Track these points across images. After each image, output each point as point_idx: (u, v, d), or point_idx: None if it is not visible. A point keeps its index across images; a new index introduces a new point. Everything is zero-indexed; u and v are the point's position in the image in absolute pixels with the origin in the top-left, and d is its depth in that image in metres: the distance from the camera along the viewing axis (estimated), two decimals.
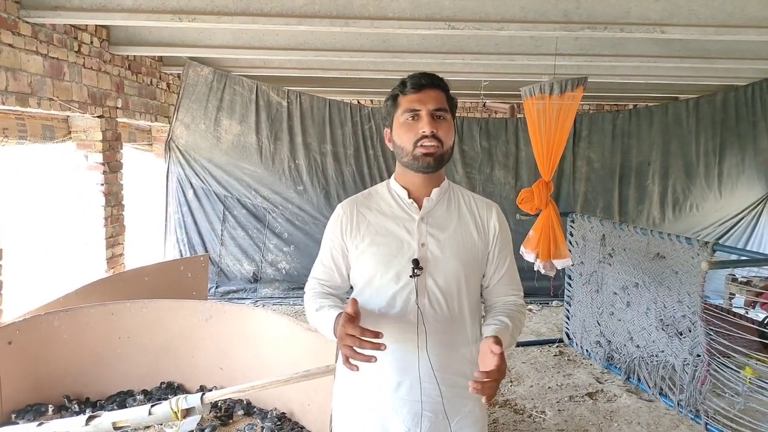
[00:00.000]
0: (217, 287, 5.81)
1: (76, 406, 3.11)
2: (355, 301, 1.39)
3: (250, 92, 5.74)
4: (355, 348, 1.29)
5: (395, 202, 1.55)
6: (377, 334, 1.30)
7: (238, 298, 5.71)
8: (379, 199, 1.57)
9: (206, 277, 4.50)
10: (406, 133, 1.47)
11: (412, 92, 1.47)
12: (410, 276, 1.45)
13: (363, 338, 1.28)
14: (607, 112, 6.67)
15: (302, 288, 6.41)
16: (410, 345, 1.46)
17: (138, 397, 3.21)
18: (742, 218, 6.52)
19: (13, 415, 2.97)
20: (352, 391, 1.56)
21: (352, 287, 1.62)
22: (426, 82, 1.48)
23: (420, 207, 1.52)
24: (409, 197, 1.53)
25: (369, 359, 1.29)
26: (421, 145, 1.45)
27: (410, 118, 1.47)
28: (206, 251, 5.77)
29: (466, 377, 1.49)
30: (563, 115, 3.86)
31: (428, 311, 1.47)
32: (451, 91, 1.55)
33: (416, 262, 1.45)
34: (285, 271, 5.99)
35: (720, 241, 5.55)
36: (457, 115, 1.59)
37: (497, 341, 1.31)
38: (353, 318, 1.32)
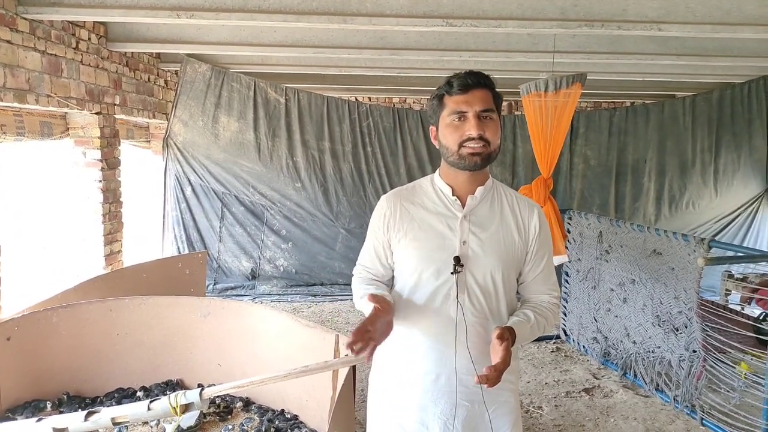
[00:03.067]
0: (215, 284, 5.82)
1: (74, 402, 3.12)
2: (374, 296, 1.43)
3: (248, 89, 5.75)
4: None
5: (439, 199, 1.57)
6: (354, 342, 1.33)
7: (236, 295, 5.71)
8: (422, 194, 1.60)
9: (204, 274, 4.50)
10: (453, 134, 1.48)
11: (458, 93, 1.48)
12: (451, 273, 1.48)
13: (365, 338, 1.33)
14: (604, 110, 6.69)
15: (300, 285, 6.44)
16: (449, 339, 1.49)
17: (138, 393, 3.22)
18: (738, 215, 6.56)
19: (8, 414, 2.97)
20: (390, 381, 1.61)
21: (394, 278, 1.66)
22: (472, 81, 1.48)
23: (463, 204, 1.54)
24: (453, 194, 1.55)
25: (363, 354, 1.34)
26: (468, 146, 1.46)
27: (457, 119, 1.48)
28: (205, 248, 5.78)
29: None
30: (561, 113, 3.87)
31: (467, 307, 1.50)
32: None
33: (457, 260, 1.48)
34: (283, 268, 6.00)
35: (716, 239, 5.57)
36: None
37: (500, 335, 1.37)
38: (376, 315, 1.39)
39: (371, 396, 1.68)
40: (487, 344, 1.50)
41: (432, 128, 1.58)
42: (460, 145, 1.47)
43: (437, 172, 1.61)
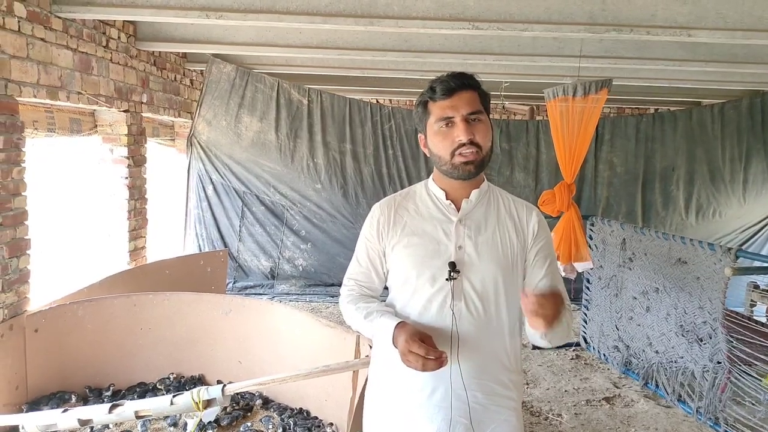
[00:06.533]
0: (234, 282, 5.87)
1: (98, 395, 3.17)
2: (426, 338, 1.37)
3: (272, 90, 5.79)
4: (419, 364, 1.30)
5: (433, 203, 1.51)
6: (441, 353, 1.29)
7: (255, 294, 5.75)
8: (417, 199, 1.54)
9: (225, 272, 4.55)
10: (442, 141, 1.41)
11: (442, 98, 1.40)
12: (446, 279, 1.41)
13: (427, 357, 1.28)
14: (630, 116, 6.61)
15: (319, 285, 6.41)
16: (446, 349, 1.38)
17: (159, 388, 3.26)
18: (765, 226, 6.42)
19: (33, 404, 3.03)
20: (386, 394, 1.53)
21: (387, 288, 1.59)
22: (456, 84, 1.40)
23: (458, 209, 1.48)
24: (447, 198, 1.49)
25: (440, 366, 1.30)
26: (460, 154, 1.39)
27: (444, 126, 1.41)
28: (225, 246, 5.83)
29: (503, 385, 1.47)
30: (586, 118, 3.84)
31: (464, 315, 1.43)
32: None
33: (453, 265, 1.41)
34: (302, 268, 6.03)
35: (742, 248, 5.46)
36: None
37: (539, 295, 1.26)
38: (417, 335, 1.32)
39: (367, 410, 1.60)
40: (485, 356, 1.43)
41: (420, 136, 1.51)
42: (453, 154, 1.40)
43: (431, 177, 1.55)
